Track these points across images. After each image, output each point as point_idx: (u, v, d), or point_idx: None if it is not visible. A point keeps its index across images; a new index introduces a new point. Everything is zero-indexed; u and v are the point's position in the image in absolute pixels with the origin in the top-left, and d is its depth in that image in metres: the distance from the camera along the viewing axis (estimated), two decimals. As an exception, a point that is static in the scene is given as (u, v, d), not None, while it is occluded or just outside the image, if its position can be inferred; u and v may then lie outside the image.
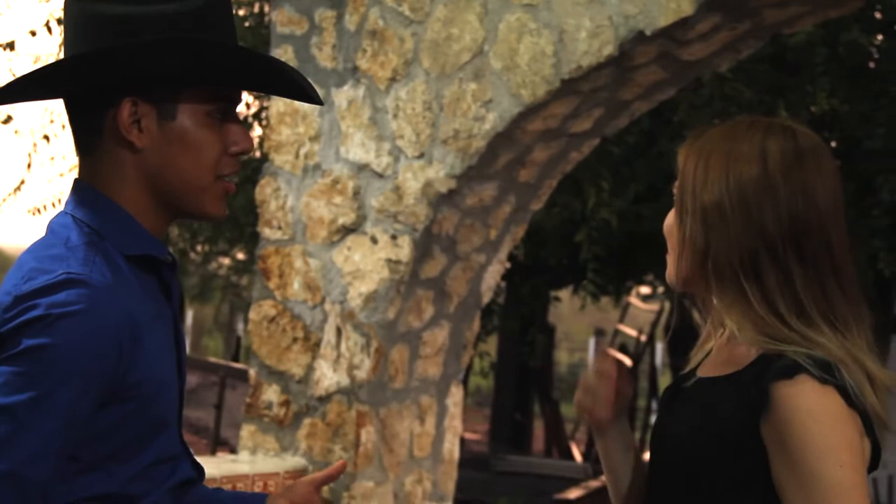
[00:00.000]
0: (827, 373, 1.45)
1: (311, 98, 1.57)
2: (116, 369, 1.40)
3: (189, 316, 17.22)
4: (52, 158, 6.54)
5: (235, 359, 12.58)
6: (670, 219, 1.62)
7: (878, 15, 6.18)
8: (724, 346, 1.58)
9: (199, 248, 8.39)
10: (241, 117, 6.18)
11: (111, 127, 1.50)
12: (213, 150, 1.49)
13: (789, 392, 1.45)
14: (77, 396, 1.37)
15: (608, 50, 3.32)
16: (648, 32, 3.26)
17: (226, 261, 10.47)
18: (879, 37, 6.20)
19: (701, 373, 1.58)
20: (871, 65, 6.40)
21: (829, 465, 1.44)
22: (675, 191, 1.60)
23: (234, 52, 1.53)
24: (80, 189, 1.59)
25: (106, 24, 1.53)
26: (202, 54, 1.51)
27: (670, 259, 1.62)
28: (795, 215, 1.54)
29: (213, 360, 12.02)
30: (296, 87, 1.59)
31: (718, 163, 1.58)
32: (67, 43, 1.57)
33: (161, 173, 1.51)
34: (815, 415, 1.46)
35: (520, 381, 10.60)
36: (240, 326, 15.04)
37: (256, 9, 6.39)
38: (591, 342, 16.42)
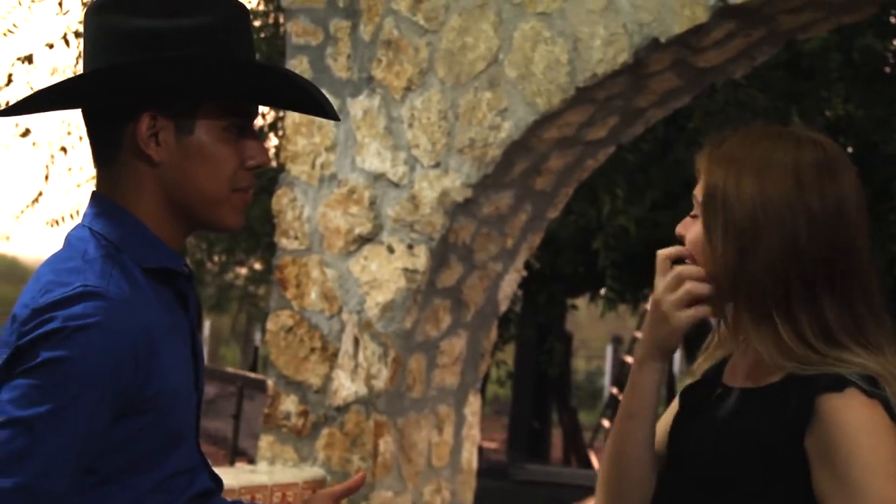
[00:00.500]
0: (873, 386, 1.44)
1: (327, 113, 1.58)
2: (133, 381, 1.40)
3: (206, 326, 17.25)
4: (70, 170, 6.58)
5: (253, 369, 12.59)
6: (692, 229, 1.60)
7: (892, 20, 6.17)
8: (746, 354, 1.57)
9: (215, 258, 8.41)
10: (257, 128, 6.21)
11: (129, 140, 1.51)
12: (229, 163, 1.50)
13: (837, 405, 1.43)
14: (93, 409, 1.38)
15: (623, 58, 3.32)
16: (663, 40, 3.26)
17: (243, 271, 10.49)
18: (895, 42, 6.19)
19: (728, 381, 1.56)
20: (887, 70, 6.38)
21: (878, 479, 1.42)
22: (697, 197, 1.58)
23: (250, 69, 1.54)
24: (98, 201, 1.60)
25: (125, 38, 1.55)
26: (219, 71, 1.52)
27: None
28: (830, 233, 1.52)
29: (230, 370, 12.04)
30: (312, 101, 1.60)
31: (751, 176, 1.54)
32: (87, 56, 1.58)
33: (178, 186, 1.52)
34: (863, 428, 1.44)
35: (537, 390, 10.58)
36: (257, 336, 15.06)
37: (272, 20, 6.41)
38: (609, 350, 16.39)
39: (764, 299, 1.52)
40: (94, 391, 1.38)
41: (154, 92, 1.49)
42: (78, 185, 5.96)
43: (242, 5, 1.63)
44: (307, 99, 1.59)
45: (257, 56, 1.65)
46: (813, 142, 1.59)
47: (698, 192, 1.60)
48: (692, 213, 1.62)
